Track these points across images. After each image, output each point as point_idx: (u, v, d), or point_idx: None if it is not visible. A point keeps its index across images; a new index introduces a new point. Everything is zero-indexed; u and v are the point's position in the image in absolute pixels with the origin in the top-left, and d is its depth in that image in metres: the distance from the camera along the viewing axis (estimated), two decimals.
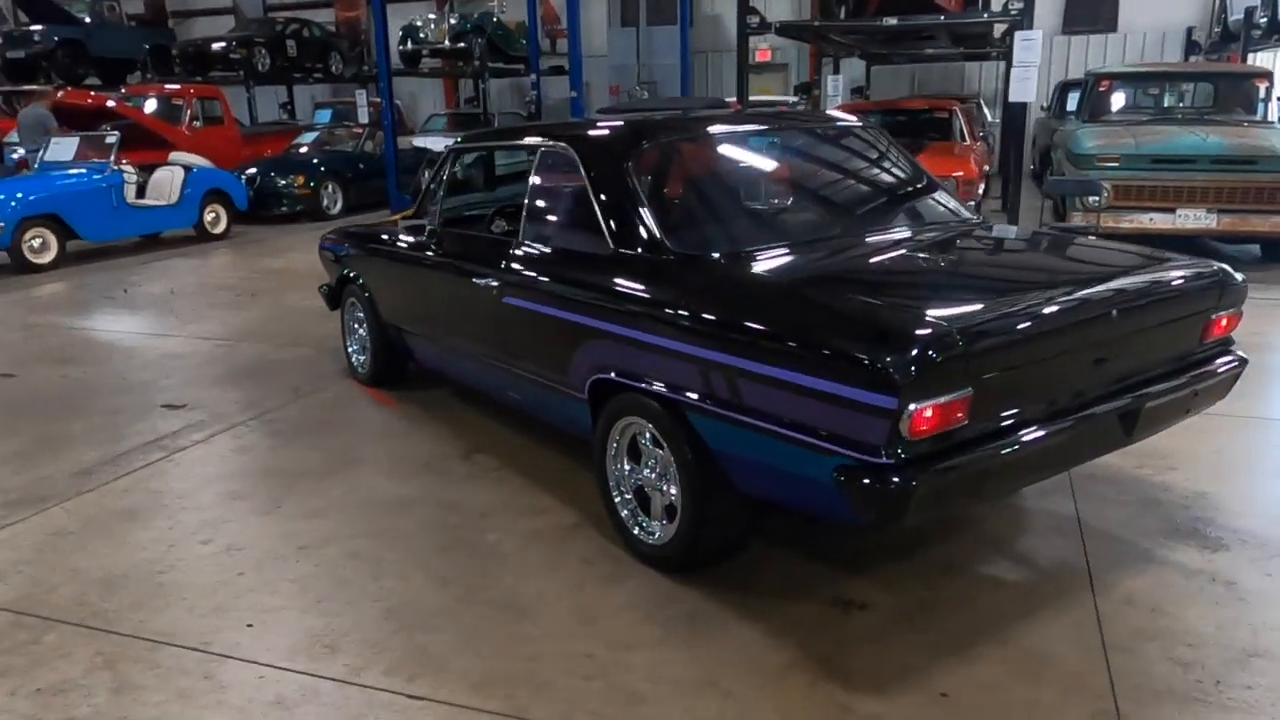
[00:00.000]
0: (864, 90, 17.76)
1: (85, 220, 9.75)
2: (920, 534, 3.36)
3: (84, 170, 9.97)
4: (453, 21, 16.82)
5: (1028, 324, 2.52)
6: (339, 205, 13.49)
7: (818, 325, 2.50)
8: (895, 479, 2.29)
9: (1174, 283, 2.95)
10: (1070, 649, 2.69)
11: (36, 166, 10.44)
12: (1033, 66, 8.04)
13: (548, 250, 3.60)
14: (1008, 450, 2.47)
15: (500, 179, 5.27)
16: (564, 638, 2.82)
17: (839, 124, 4.03)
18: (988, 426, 2.48)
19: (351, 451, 4.35)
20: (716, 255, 3.07)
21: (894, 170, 3.85)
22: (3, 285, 8.85)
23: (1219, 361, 3.11)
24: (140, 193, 10.78)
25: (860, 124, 3.96)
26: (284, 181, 12.84)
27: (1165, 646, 2.69)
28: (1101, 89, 9.62)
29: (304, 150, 14.16)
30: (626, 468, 3.24)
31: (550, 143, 3.66)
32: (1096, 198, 8.17)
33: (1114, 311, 2.65)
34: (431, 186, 4.50)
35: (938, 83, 18.16)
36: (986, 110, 14.20)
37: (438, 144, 13.77)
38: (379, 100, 18.81)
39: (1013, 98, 8.23)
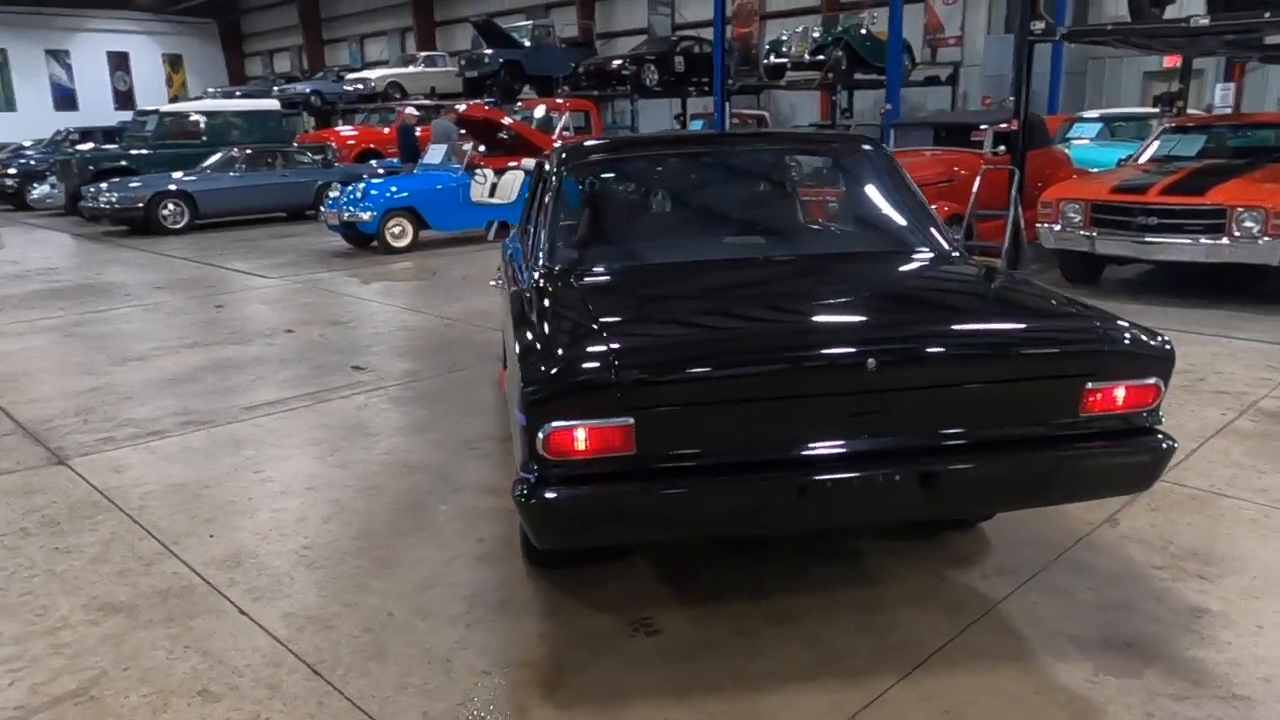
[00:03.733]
0: None
1: (435, 213, 11.77)
2: (792, 584, 3.16)
3: (440, 171, 12.00)
4: (815, 35, 17.05)
5: (723, 360, 2.36)
6: None
7: (529, 343, 2.58)
8: (538, 495, 2.33)
9: (1005, 339, 2.49)
10: None
11: (417, 168, 12.77)
12: None
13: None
14: (672, 490, 2.34)
15: None
16: (391, 596, 3.18)
17: (813, 144, 3.78)
18: (677, 462, 2.37)
19: (430, 421, 5.03)
20: (569, 272, 3.19)
21: (849, 193, 3.53)
22: (364, 262, 11.04)
23: (1120, 442, 2.53)
24: (493, 192, 12.66)
25: (844, 144, 3.64)
26: None
27: None
28: None
29: None
30: None
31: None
32: None
33: (870, 361, 2.33)
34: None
35: None
36: None
37: None
38: (744, 112, 19.71)
39: None
